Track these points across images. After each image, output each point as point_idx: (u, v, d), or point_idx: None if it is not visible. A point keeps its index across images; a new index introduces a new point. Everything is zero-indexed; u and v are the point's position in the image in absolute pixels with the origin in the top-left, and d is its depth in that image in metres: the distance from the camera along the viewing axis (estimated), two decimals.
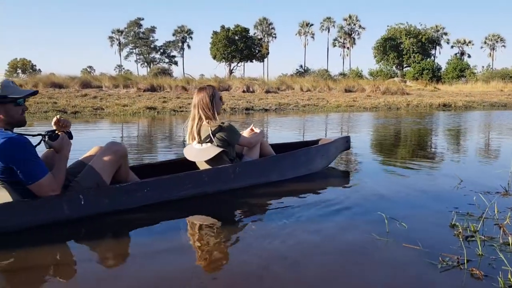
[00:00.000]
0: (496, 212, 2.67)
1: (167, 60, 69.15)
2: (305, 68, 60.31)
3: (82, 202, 2.58)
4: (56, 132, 2.58)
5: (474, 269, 1.88)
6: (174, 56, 69.47)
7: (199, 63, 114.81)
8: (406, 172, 4.20)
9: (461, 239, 2.24)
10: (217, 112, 3.36)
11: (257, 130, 3.75)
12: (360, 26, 64.41)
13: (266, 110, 14.74)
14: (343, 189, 3.50)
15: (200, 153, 3.33)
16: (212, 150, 3.27)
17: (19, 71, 68.03)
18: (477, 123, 10.70)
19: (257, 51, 60.68)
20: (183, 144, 3.47)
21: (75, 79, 21.64)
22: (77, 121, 10.17)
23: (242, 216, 2.82)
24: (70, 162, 2.69)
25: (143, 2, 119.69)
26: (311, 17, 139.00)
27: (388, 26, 61.27)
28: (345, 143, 4.52)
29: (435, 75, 47.26)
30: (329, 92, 23.22)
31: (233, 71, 60.00)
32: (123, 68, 66.92)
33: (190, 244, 2.30)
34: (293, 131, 8.41)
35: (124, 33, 67.28)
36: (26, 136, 2.40)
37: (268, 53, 62.82)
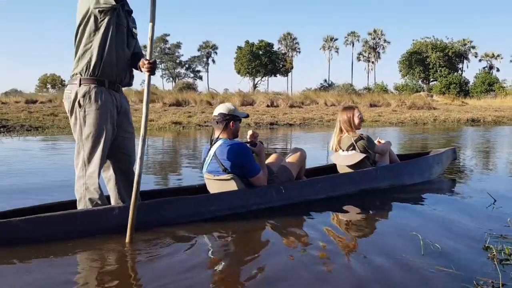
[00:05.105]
0: None
1: (192, 75, 70.21)
2: (330, 82, 60.22)
3: (283, 191, 3.32)
4: (253, 141, 3.33)
5: None
6: (199, 71, 70.55)
7: (223, 77, 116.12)
8: (436, 190, 4.14)
9: (495, 262, 2.18)
10: (356, 126, 4.03)
11: (383, 141, 4.30)
12: (385, 40, 64.11)
13: (290, 125, 14.71)
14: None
15: (346, 158, 3.97)
16: (357, 155, 3.90)
17: (49, 86, 69.99)
18: (508, 139, 10.43)
19: (281, 65, 61.07)
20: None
21: None
22: None
23: (379, 210, 3.49)
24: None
25: (169, 18, 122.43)
26: (335, 31, 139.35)
27: (413, 40, 60.67)
28: (453, 153, 4.97)
29: (463, 89, 46.39)
30: None
31: (257, 85, 60.49)
32: None
33: (349, 226, 3.09)
34: (322, 149, 8.36)
35: None
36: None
37: (292, 68, 63.15)
